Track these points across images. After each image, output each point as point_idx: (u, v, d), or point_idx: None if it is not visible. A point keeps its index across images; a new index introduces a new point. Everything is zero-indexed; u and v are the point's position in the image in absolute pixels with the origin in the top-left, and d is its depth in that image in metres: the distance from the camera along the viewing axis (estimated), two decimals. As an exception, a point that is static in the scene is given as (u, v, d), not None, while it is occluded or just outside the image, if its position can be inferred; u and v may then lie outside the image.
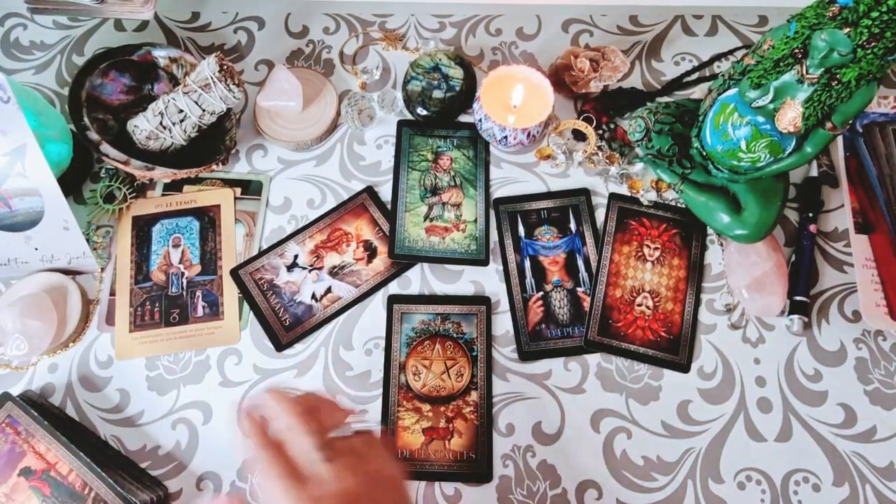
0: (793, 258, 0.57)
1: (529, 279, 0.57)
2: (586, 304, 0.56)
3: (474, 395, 0.53)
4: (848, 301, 0.56)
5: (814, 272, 0.57)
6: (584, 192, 0.60)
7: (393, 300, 0.56)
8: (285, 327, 0.56)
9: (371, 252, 0.58)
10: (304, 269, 0.57)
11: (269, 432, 0.38)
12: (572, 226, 0.59)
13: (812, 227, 0.57)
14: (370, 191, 0.60)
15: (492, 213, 0.60)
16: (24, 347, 0.53)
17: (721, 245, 0.58)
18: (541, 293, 0.57)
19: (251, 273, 0.57)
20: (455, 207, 0.60)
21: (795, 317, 0.54)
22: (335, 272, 0.57)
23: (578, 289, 0.57)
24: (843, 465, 0.51)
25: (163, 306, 0.56)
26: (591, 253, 0.58)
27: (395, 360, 0.54)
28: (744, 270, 0.55)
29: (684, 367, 0.54)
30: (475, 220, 0.59)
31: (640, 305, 0.56)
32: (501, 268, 0.58)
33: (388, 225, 0.59)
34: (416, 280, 0.58)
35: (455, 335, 0.55)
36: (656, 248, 0.58)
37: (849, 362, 0.54)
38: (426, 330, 0.55)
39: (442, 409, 0.53)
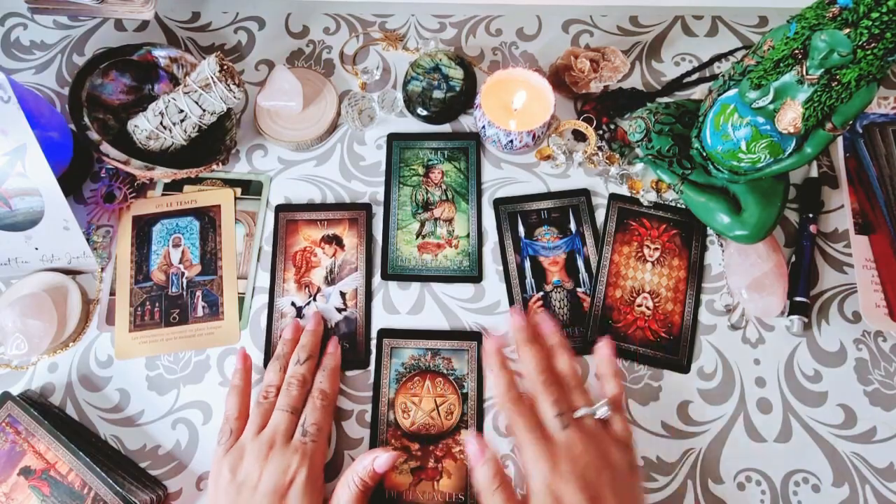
0: (793, 259, 0.57)
1: (529, 279, 0.57)
2: (586, 305, 0.56)
3: (464, 434, 0.52)
4: (848, 302, 0.56)
5: (814, 273, 0.57)
6: (585, 193, 0.60)
7: (383, 335, 0.55)
8: (355, 351, 0.55)
9: (336, 241, 0.58)
10: (310, 302, 0.57)
11: (517, 387, 0.45)
12: (572, 226, 0.59)
13: (812, 228, 0.57)
14: (281, 208, 0.59)
15: (484, 227, 0.59)
16: (24, 347, 0.53)
17: (721, 245, 0.58)
18: (541, 293, 0.57)
19: None
20: (447, 223, 0.59)
21: (795, 317, 0.54)
22: (331, 280, 0.57)
23: (578, 289, 0.57)
24: (843, 466, 0.51)
25: (163, 306, 0.56)
26: (592, 253, 0.58)
27: (384, 396, 0.53)
28: (743, 271, 0.55)
29: (684, 368, 0.54)
30: (467, 236, 0.59)
31: (639, 306, 0.56)
32: (501, 268, 0.58)
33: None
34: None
35: (446, 371, 0.54)
36: (656, 249, 0.58)
37: (849, 363, 0.54)
38: (416, 366, 0.54)
39: (431, 448, 0.51)
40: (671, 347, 0.55)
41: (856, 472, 0.51)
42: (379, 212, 0.60)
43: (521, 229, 0.59)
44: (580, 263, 0.58)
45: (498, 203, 0.60)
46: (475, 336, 0.55)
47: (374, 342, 0.55)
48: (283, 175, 0.61)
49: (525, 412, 0.43)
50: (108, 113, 0.58)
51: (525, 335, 0.48)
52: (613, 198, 0.60)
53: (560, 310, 0.56)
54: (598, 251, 0.58)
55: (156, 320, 0.56)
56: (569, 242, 0.58)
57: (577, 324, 0.56)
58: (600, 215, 0.59)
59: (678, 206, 0.59)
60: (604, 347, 0.47)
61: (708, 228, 0.58)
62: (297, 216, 0.59)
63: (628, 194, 0.60)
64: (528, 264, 0.57)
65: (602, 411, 0.43)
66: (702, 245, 0.58)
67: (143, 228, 0.59)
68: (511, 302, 0.56)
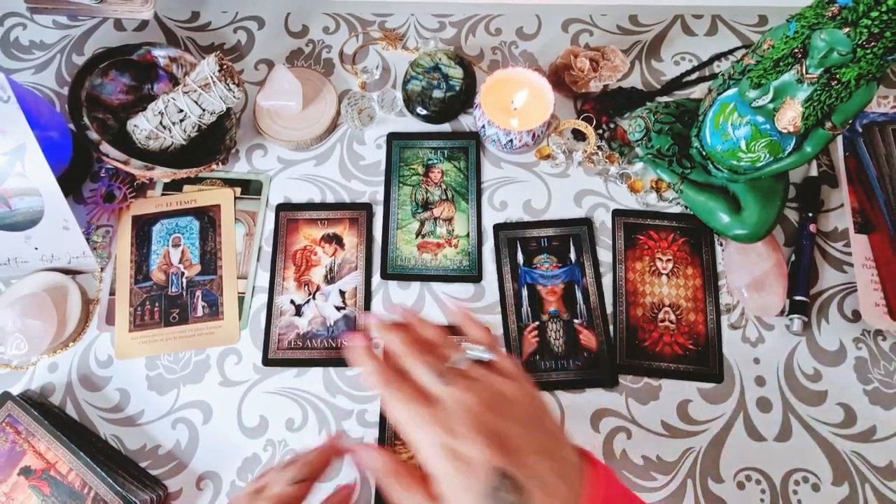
0: (792, 258, 0.57)
1: (526, 308, 0.56)
2: (582, 337, 0.55)
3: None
4: (847, 301, 0.56)
5: (813, 272, 0.57)
6: (587, 222, 0.58)
7: None
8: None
9: (336, 240, 0.58)
10: (309, 300, 0.57)
11: (385, 364, 0.39)
12: (572, 255, 0.58)
13: (812, 227, 0.57)
14: (282, 207, 0.60)
15: (484, 227, 0.59)
16: (24, 347, 0.53)
17: (721, 245, 0.58)
18: (537, 323, 0.55)
19: (282, 349, 0.55)
20: (447, 222, 0.59)
21: (795, 316, 0.54)
22: (331, 279, 0.57)
23: (575, 321, 0.56)
24: (843, 465, 0.51)
25: (163, 306, 0.56)
26: (591, 285, 0.57)
27: None
28: (743, 270, 0.55)
29: (717, 377, 0.54)
30: (467, 235, 0.59)
31: (663, 321, 0.55)
32: (497, 295, 0.57)
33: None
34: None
35: None
36: (668, 260, 0.57)
37: (848, 362, 0.54)
38: None
39: None
40: (701, 358, 0.54)
41: (855, 471, 0.51)
42: (379, 211, 0.60)
43: (521, 256, 0.58)
44: (578, 295, 0.56)
45: (498, 228, 0.59)
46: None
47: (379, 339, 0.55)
48: (282, 175, 0.61)
49: (400, 387, 0.37)
50: (108, 113, 0.58)
51: (384, 323, 0.43)
52: (617, 213, 0.59)
53: (556, 341, 0.55)
54: (597, 280, 0.57)
55: (156, 320, 0.56)
56: (568, 272, 0.57)
57: (573, 356, 0.54)
58: (602, 241, 0.58)
59: (677, 204, 0.59)
60: (454, 308, 0.46)
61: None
62: (298, 215, 0.59)
63: (629, 207, 0.60)
64: (525, 293, 0.56)
65: (477, 352, 0.39)
66: (712, 250, 0.58)
67: (142, 228, 0.59)
68: (506, 330, 0.55)
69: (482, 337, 0.41)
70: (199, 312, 0.56)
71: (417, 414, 0.35)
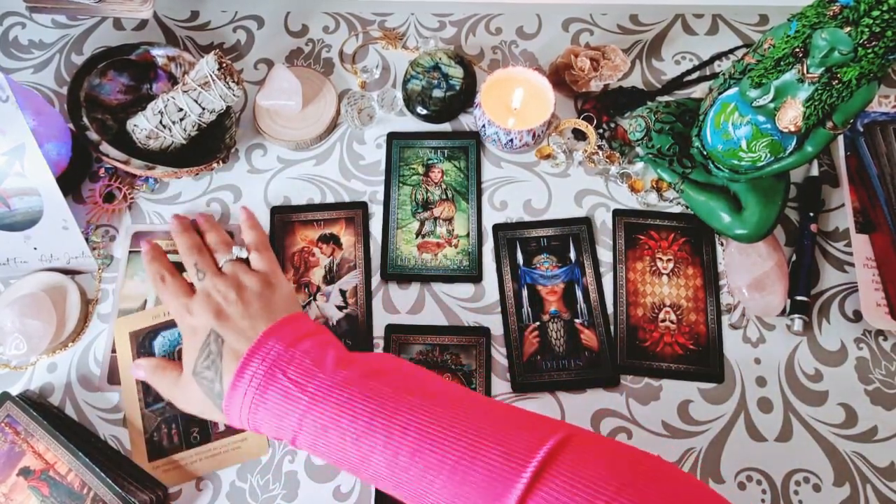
0: (793, 258, 0.57)
1: (526, 308, 0.56)
2: (584, 337, 0.55)
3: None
4: (849, 301, 0.56)
5: (814, 272, 0.57)
6: (586, 221, 0.58)
7: (391, 330, 0.55)
8: (358, 348, 0.55)
9: (333, 240, 0.58)
10: (310, 301, 0.56)
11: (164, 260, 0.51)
12: (572, 255, 0.57)
13: (813, 227, 0.57)
14: (277, 209, 0.59)
15: (484, 227, 0.59)
16: (23, 347, 0.52)
17: (722, 245, 0.58)
18: (537, 323, 0.55)
19: None
20: (447, 222, 0.59)
21: (796, 316, 0.54)
22: (330, 279, 0.57)
23: (576, 320, 0.55)
24: (844, 465, 0.51)
25: (180, 426, 0.52)
26: (591, 284, 0.56)
27: None
28: (744, 270, 0.55)
29: (718, 377, 0.54)
30: (467, 235, 0.58)
31: (663, 321, 0.55)
32: (498, 296, 0.57)
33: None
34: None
35: (454, 367, 0.54)
36: (669, 260, 0.57)
37: (849, 362, 0.54)
38: (424, 361, 0.54)
39: None
40: (702, 358, 0.54)
41: (856, 472, 0.51)
42: (375, 209, 0.60)
43: (520, 257, 0.58)
44: (578, 294, 0.56)
45: (497, 229, 0.59)
46: (483, 331, 0.55)
47: (381, 339, 0.55)
48: (282, 174, 0.61)
49: (170, 285, 0.48)
50: (107, 113, 0.58)
51: (178, 227, 0.53)
52: (618, 213, 0.59)
53: (557, 341, 0.55)
54: (597, 280, 0.57)
55: (175, 443, 0.52)
56: (567, 272, 0.57)
57: (574, 356, 0.54)
58: (601, 245, 0.58)
59: (678, 204, 0.59)
60: (245, 216, 0.55)
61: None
62: (293, 217, 0.59)
63: (629, 206, 0.60)
64: (525, 293, 0.56)
65: (234, 253, 0.49)
66: (712, 250, 0.58)
67: (143, 344, 0.55)
68: (506, 330, 0.55)
69: (250, 238, 0.51)
70: (221, 427, 0.52)
71: (178, 305, 0.47)
